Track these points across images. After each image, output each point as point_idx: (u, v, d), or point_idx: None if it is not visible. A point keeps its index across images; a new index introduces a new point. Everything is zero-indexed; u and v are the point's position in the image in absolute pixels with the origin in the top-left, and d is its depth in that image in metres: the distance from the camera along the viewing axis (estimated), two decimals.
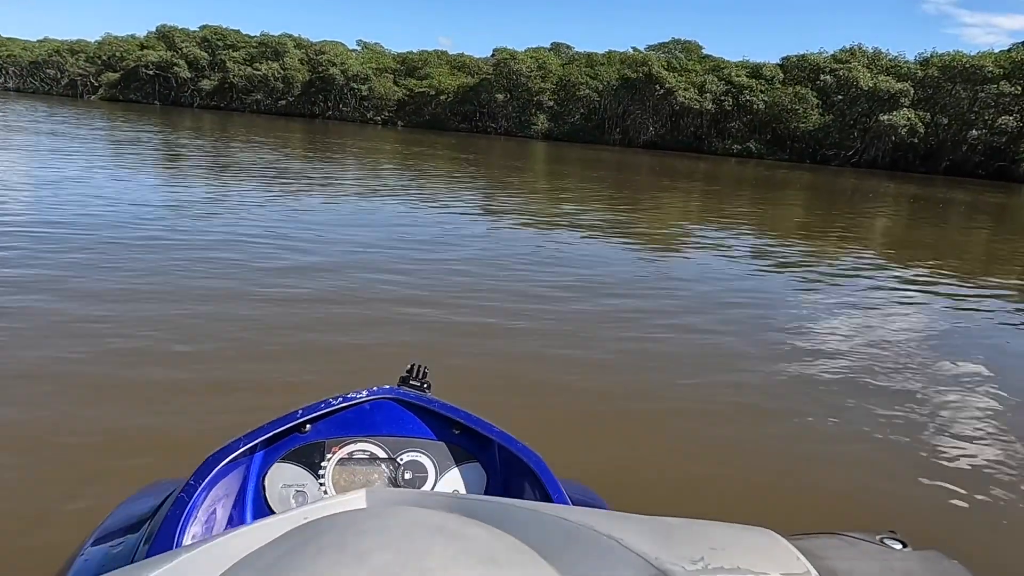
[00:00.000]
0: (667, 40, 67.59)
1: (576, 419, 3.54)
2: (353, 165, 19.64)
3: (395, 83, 69.32)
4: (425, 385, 1.20)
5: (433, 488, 1.05)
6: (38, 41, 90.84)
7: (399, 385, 1.17)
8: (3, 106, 40.26)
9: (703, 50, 66.01)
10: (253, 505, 1.01)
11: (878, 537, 0.59)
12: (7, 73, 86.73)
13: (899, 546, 0.58)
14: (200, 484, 0.85)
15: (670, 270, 7.72)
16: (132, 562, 0.76)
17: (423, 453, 1.06)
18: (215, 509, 0.92)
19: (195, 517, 0.83)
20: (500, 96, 62.23)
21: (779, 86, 54.48)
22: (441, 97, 65.67)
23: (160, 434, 2.99)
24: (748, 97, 54.25)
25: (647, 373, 4.30)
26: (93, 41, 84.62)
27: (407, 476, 1.04)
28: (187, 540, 0.80)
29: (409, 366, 1.24)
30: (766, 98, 53.75)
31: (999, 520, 2.84)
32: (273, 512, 0.98)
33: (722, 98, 55.15)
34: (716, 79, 55.97)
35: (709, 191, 21.77)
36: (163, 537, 0.78)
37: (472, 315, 5.13)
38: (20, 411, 3.11)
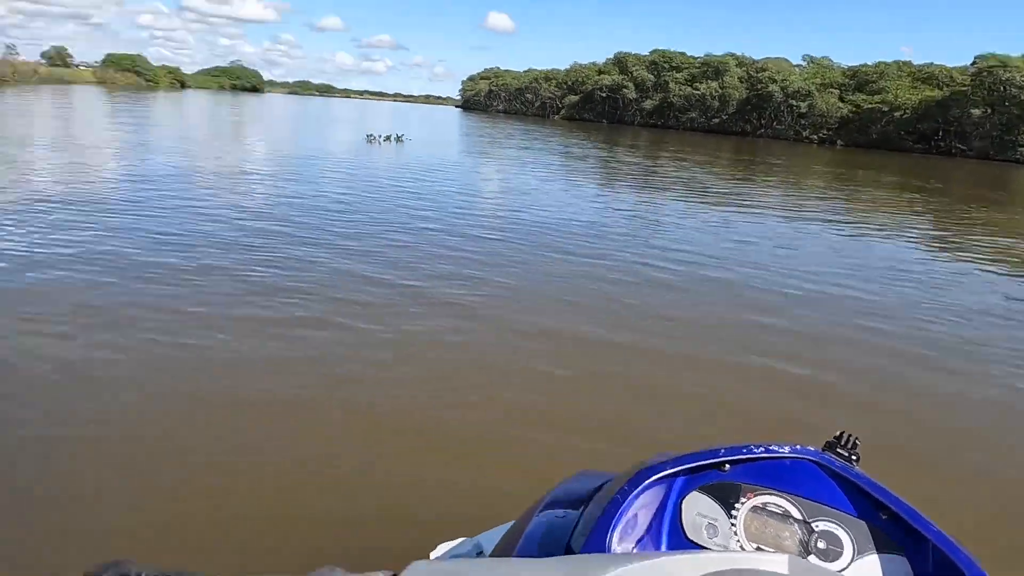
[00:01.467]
0: None
1: None
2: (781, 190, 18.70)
3: (840, 99, 63.88)
4: (853, 457, 1.13)
5: (848, 567, 1.00)
6: (524, 71, 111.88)
7: (824, 450, 1.13)
8: (493, 126, 50.30)
9: None
10: (669, 523, 1.09)
11: None
12: (499, 98, 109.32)
13: None
14: (632, 491, 1.00)
15: None
16: (572, 532, 1.00)
17: (841, 527, 1.01)
18: (637, 515, 1.03)
19: (623, 517, 0.98)
20: (976, 111, 51.87)
21: None
22: (895, 113, 57.97)
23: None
24: None
25: None
26: (563, 69, 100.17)
27: (820, 545, 1.01)
28: (616, 534, 0.96)
29: (838, 433, 1.18)
30: None
31: None
32: (685, 535, 1.07)
33: None
34: None
35: None
36: (600, 527, 0.96)
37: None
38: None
